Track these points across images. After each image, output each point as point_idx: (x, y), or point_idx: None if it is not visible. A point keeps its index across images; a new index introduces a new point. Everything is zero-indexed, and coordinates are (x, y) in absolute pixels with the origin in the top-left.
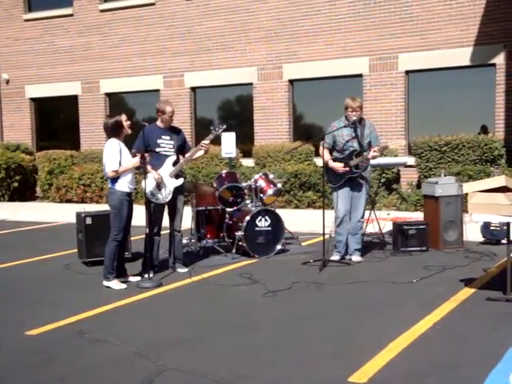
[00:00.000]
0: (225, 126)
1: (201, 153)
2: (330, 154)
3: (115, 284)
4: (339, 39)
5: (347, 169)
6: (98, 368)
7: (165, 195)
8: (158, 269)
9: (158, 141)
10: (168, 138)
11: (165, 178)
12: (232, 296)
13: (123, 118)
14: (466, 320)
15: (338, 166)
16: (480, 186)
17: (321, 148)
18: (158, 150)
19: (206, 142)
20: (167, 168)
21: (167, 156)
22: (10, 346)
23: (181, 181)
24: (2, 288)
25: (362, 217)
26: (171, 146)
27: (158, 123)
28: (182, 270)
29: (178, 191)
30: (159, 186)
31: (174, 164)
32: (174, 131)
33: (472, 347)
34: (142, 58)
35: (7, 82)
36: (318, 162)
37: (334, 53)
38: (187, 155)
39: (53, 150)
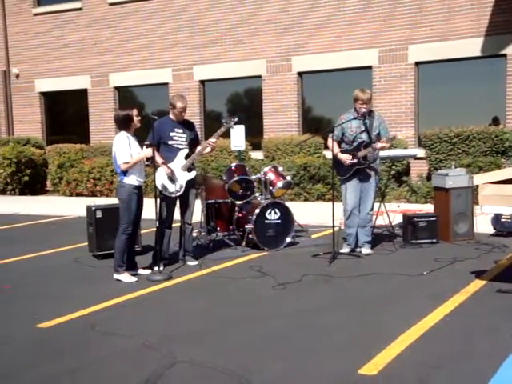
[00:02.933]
0: (237, 119)
1: (208, 150)
2: (339, 145)
3: (125, 277)
4: (348, 31)
5: (354, 161)
6: (108, 360)
7: (177, 188)
8: (168, 262)
9: (171, 133)
10: (181, 131)
11: (177, 172)
12: (242, 289)
13: (134, 112)
14: (477, 312)
15: (345, 158)
16: (491, 177)
17: (329, 140)
18: (170, 142)
19: (213, 140)
20: (179, 161)
21: (179, 149)
22: (21, 338)
23: (193, 174)
24: (13, 281)
25: (372, 209)
26: (184, 140)
27: (171, 116)
28: (192, 262)
29: (190, 184)
30: (171, 179)
31: (187, 157)
32: (187, 125)
33: (483, 339)
34: (151, 51)
35: (17, 76)
36: (328, 154)
37: (343, 45)
38: (197, 150)
39: (63, 143)
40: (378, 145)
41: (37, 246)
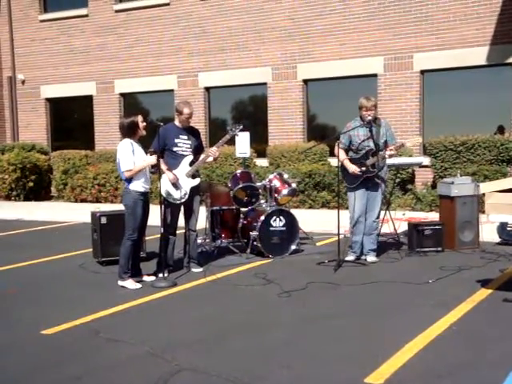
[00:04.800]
0: (241, 127)
1: (210, 159)
2: (346, 154)
3: (130, 283)
4: (353, 39)
5: (363, 169)
6: (113, 367)
7: (181, 195)
8: (173, 268)
9: (176, 140)
10: (185, 137)
11: (181, 178)
12: (247, 296)
13: (139, 118)
14: (483, 321)
15: (354, 169)
16: (497, 186)
17: (336, 148)
18: (175, 149)
19: (215, 148)
20: (184, 168)
21: (184, 156)
22: (26, 345)
23: (197, 181)
24: (17, 287)
25: (378, 217)
26: (188, 146)
27: (176, 123)
28: (197, 269)
29: (194, 191)
30: (176, 185)
31: (191, 164)
32: (192, 131)
33: (489, 348)
34: (157, 58)
35: (23, 82)
36: (333, 161)
37: (349, 52)
38: (201, 158)
39: (68, 149)
40: (387, 153)
41: (41, 251)
